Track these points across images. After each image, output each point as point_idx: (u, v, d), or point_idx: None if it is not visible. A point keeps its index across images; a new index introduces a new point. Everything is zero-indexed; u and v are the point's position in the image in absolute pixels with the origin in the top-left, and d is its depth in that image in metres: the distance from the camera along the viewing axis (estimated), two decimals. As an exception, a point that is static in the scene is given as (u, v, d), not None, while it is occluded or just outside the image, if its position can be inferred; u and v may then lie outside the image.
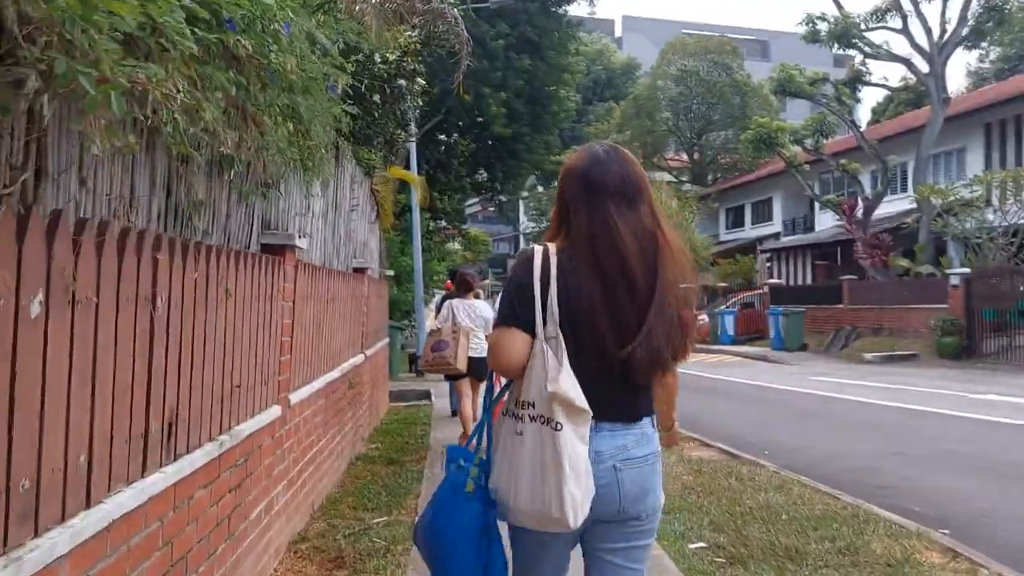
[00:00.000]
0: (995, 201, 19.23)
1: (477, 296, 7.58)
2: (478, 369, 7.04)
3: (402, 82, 6.80)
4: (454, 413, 9.33)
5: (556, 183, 2.28)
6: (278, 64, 2.88)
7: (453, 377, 7.60)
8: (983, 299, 18.74)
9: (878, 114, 41.45)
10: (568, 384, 1.95)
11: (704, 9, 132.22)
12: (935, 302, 19.45)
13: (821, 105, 26.05)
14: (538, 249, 2.10)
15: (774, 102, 39.23)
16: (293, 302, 4.35)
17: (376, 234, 9.75)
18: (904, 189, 27.60)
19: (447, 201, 27.67)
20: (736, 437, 8.70)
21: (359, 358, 7.00)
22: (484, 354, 6.75)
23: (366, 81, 6.12)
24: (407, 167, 15.59)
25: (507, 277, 2.16)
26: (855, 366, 17.91)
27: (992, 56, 42.12)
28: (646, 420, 2.13)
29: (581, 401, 1.96)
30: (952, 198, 19.56)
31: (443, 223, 28.44)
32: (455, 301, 7.56)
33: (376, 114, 6.62)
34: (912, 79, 26.97)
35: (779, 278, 30.89)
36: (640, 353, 2.01)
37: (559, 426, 1.94)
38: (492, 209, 62.40)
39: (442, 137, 25.78)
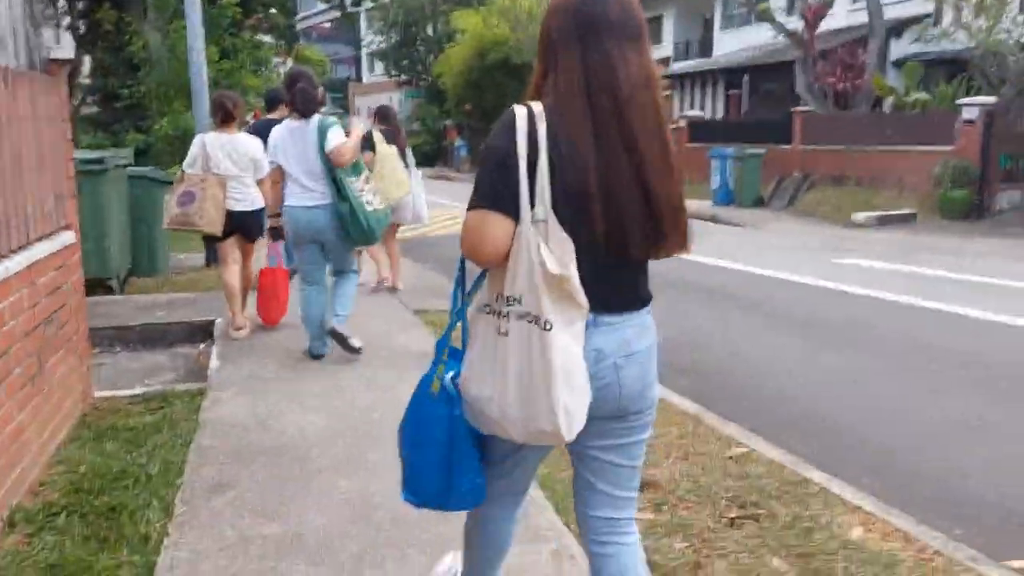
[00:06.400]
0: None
1: (249, 127, 6.21)
2: (247, 225, 5.74)
3: None
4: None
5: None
6: None
7: (213, 239, 5.85)
8: (1001, 141, 14.13)
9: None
10: (572, 272, 1.69)
11: None
12: (933, 142, 14.67)
13: None
14: (521, 111, 1.73)
15: None
16: None
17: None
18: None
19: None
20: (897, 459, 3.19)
21: None
22: (254, 206, 5.70)
23: None
24: None
25: (485, 146, 1.79)
26: (852, 233, 12.93)
27: None
28: (647, 308, 1.87)
29: (580, 295, 1.69)
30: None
31: (262, 30, 20.78)
32: (209, 136, 5.76)
33: None
34: None
35: (684, 110, 25.57)
36: (645, 228, 1.75)
37: (548, 325, 1.67)
38: (330, 24, 53.15)
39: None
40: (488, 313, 1.78)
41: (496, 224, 1.70)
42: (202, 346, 5.84)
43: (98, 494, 3.24)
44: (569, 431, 1.70)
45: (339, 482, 3.32)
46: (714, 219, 14.80)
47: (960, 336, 6.39)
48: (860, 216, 13.83)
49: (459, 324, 1.92)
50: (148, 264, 8.24)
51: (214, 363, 5.08)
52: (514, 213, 1.70)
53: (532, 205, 1.69)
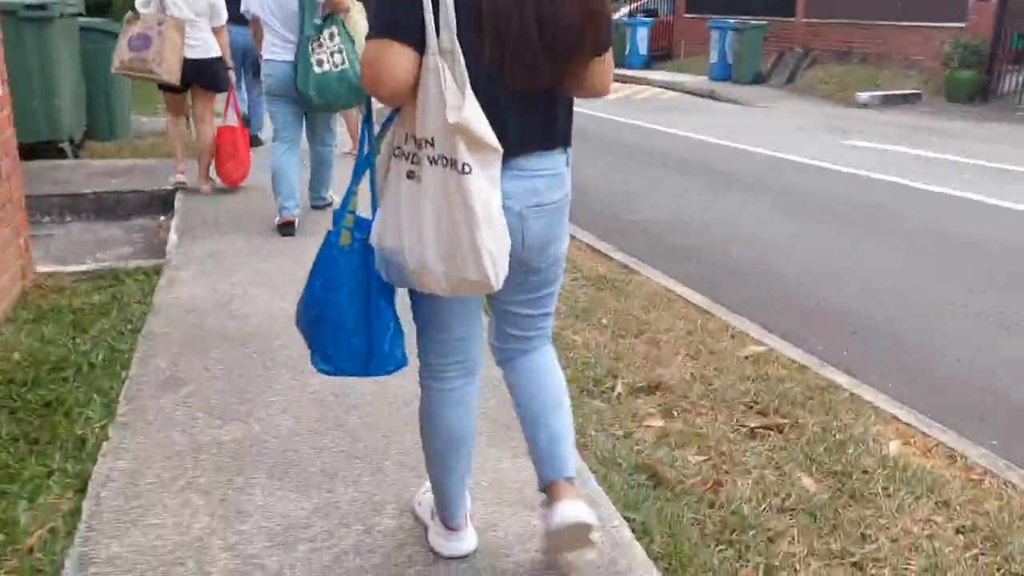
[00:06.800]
0: None
1: None
2: (205, 74, 5.32)
3: None
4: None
5: None
6: None
7: (167, 88, 5.44)
8: (1016, 18, 13.37)
9: None
10: (474, 115, 1.49)
11: None
12: (943, 18, 13.89)
13: None
14: None
15: None
16: None
17: None
18: None
19: None
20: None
21: None
22: (210, 53, 5.31)
23: None
24: None
25: None
26: (855, 112, 12.35)
27: None
28: (561, 156, 1.73)
29: (490, 137, 1.51)
30: None
31: None
32: None
33: None
34: None
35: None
36: (533, 55, 1.56)
37: (467, 168, 1.50)
38: None
39: None
40: (399, 156, 1.61)
41: (396, 54, 1.50)
42: (162, 218, 5.35)
43: (32, 386, 2.85)
44: (496, 279, 1.58)
45: (309, 380, 2.92)
46: (711, 95, 14.09)
47: (970, 222, 6.01)
48: (864, 95, 13.20)
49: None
50: (107, 127, 7.60)
51: (172, 237, 4.60)
52: (416, 42, 1.50)
53: (438, 32, 1.49)
